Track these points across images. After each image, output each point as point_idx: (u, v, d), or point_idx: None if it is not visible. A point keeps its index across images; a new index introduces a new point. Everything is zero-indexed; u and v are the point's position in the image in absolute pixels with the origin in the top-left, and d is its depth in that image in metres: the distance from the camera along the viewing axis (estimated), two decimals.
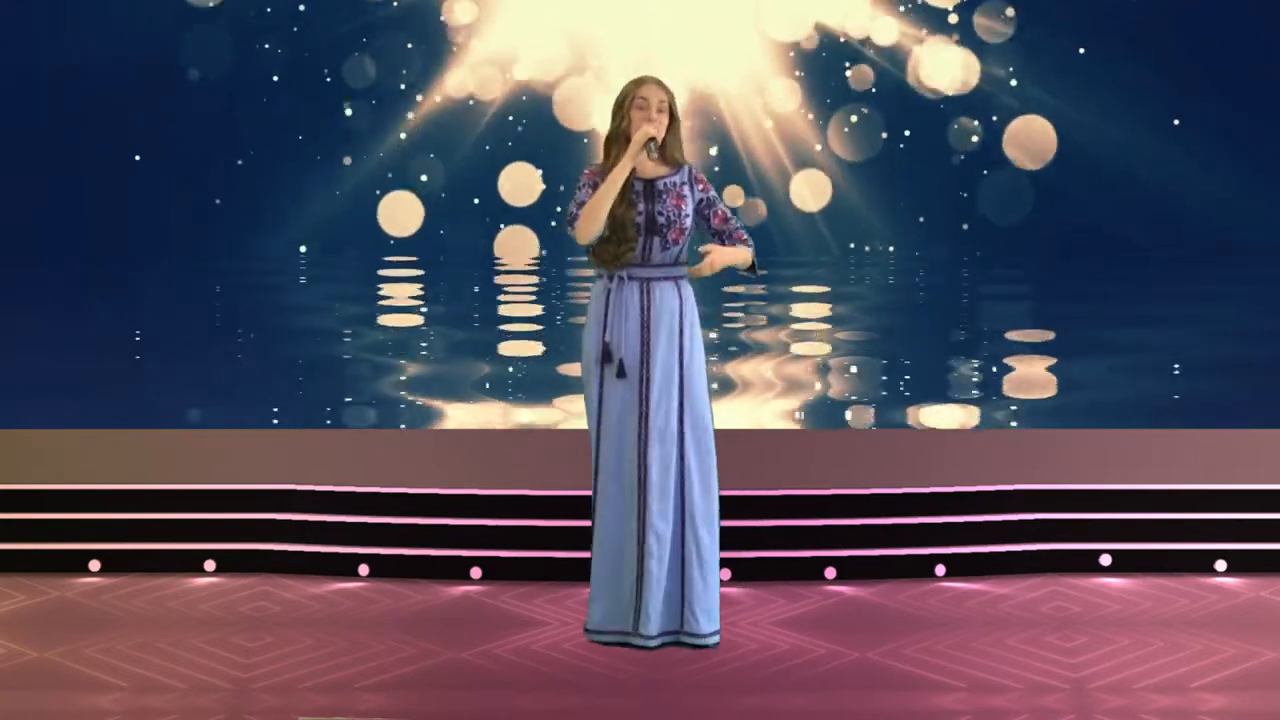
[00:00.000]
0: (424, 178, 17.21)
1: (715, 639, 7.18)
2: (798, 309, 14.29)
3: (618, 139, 7.11)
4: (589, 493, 7.50)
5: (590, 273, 7.33)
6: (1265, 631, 7.37)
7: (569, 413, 10.11)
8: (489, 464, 8.81)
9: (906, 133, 17.13)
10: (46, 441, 9.06)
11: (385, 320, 13.95)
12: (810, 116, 17.15)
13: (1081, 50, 16.89)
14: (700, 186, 7.20)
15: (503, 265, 16.96)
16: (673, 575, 7.15)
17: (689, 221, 7.14)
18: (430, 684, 6.89)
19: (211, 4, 16.95)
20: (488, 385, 11.18)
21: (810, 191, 17.23)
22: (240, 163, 17.14)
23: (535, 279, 16.32)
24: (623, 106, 7.12)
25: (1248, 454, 8.72)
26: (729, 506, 7.97)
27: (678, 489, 7.13)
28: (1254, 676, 6.92)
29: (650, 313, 7.11)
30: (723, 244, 7.21)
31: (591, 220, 7.03)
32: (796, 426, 10.12)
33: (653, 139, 7.03)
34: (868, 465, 8.70)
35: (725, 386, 10.89)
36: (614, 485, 7.13)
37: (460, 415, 10.35)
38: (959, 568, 8.04)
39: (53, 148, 16.91)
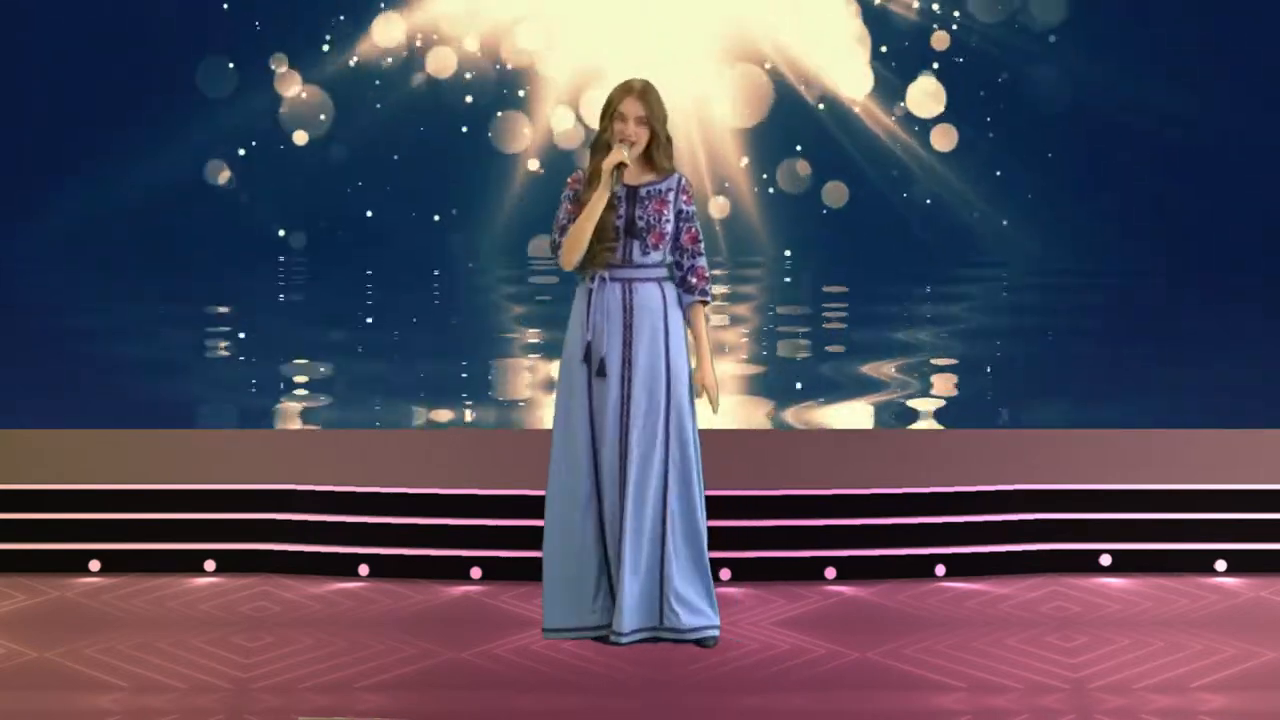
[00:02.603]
0: None
1: (707, 633, 7.15)
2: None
3: (600, 147, 7.12)
4: None
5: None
6: (1265, 631, 7.37)
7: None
8: (489, 464, 8.81)
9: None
10: (46, 441, 9.06)
11: None
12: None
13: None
14: (685, 198, 7.19)
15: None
16: (651, 573, 7.13)
17: (669, 226, 7.14)
18: (430, 684, 6.89)
19: None
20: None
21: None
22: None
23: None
24: (609, 113, 7.11)
25: (1248, 454, 8.72)
26: (730, 506, 7.99)
27: (660, 488, 7.11)
28: (1254, 676, 6.92)
29: (633, 312, 7.11)
30: (680, 266, 7.19)
31: (574, 250, 7.07)
32: (796, 426, 10.12)
33: (620, 165, 7.04)
34: (868, 465, 8.70)
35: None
36: (606, 484, 7.11)
37: (461, 415, 10.36)
38: (959, 568, 8.04)
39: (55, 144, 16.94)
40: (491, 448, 9.34)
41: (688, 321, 7.21)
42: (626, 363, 7.10)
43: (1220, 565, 8.06)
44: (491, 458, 9.00)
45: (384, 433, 9.96)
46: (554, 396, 7.24)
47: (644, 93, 7.10)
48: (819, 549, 8.04)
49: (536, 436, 9.78)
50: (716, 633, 7.20)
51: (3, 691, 6.82)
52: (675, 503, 7.13)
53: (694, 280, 7.22)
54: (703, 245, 7.24)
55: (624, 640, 7.11)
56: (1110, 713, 6.58)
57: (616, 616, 7.10)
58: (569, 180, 7.19)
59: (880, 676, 6.94)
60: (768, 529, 8.03)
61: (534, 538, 8.05)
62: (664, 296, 7.15)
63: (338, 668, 7.02)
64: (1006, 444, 9.19)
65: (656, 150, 7.13)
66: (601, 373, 7.09)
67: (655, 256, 7.15)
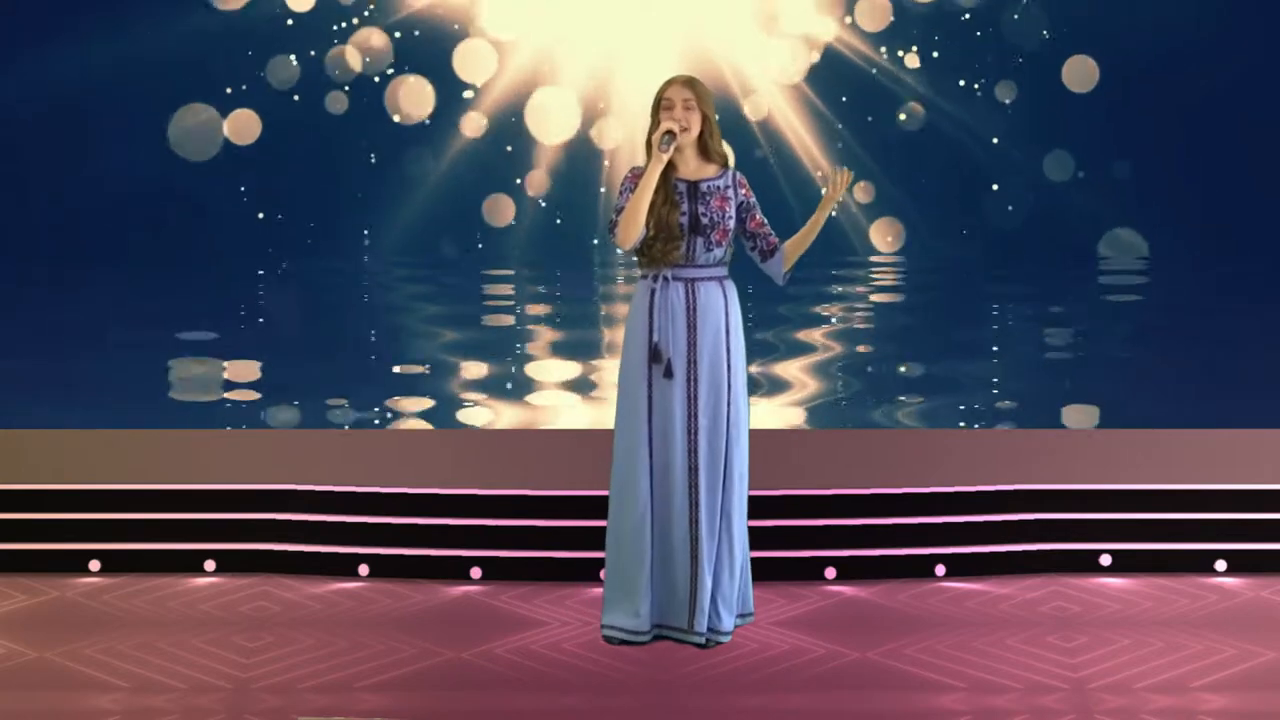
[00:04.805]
0: None
1: (729, 635, 7.20)
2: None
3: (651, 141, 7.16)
4: (590, 492, 7.50)
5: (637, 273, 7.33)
6: (1265, 631, 7.38)
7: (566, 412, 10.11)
8: (489, 464, 8.81)
9: None
10: (46, 441, 9.05)
11: None
12: None
13: None
14: (743, 191, 7.23)
15: None
16: (714, 573, 7.16)
17: (732, 223, 7.17)
18: (430, 684, 6.89)
19: None
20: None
21: None
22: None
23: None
24: (657, 109, 7.16)
25: (1248, 454, 8.71)
26: None
27: (723, 486, 7.13)
28: (1254, 676, 6.93)
29: (696, 312, 7.12)
30: (755, 248, 7.27)
31: (630, 226, 7.06)
32: (796, 426, 10.12)
33: (669, 133, 7.05)
34: (868, 465, 8.70)
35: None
36: (662, 485, 7.10)
37: (463, 415, 10.35)
38: (959, 568, 8.04)
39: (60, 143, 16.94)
40: (492, 448, 9.34)
41: (791, 239, 7.24)
42: (691, 363, 7.11)
43: (1220, 565, 8.06)
44: (491, 458, 9.00)
45: (384, 433, 9.96)
46: (616, 398, 7.21)
47: (689, 80, 7.18)
48: (819, 549, 8.04)
49: (537, 437, 9.78)
50: (728, 637, 7.24)
51: (3, 691, 6.83)
52: (734, 502, 7.16)
53: (767, 246, 7.25)
54: (769, 227, 7.28)
55: (700, 640, 7.11)
56: (1110, 713, 6.58)
57: (697, 617, 7.09)
58: (627, 176, 7.18)
59: (880, 676, 6.94)
60: (768, 529, 8.03)
61: (534, 538, 8.07)
62: (725, 296, 7.18)
63: (338, 668, 7.02)
64: (1006, 444, 9.18)
65: (710, 137, 7.17)
66: (669, 374, 7.10)
67: (717, 254, 7.17)
